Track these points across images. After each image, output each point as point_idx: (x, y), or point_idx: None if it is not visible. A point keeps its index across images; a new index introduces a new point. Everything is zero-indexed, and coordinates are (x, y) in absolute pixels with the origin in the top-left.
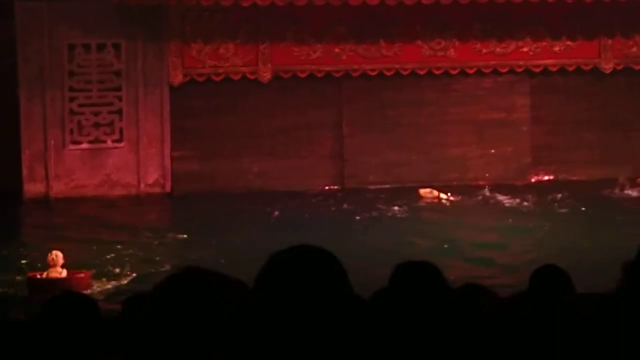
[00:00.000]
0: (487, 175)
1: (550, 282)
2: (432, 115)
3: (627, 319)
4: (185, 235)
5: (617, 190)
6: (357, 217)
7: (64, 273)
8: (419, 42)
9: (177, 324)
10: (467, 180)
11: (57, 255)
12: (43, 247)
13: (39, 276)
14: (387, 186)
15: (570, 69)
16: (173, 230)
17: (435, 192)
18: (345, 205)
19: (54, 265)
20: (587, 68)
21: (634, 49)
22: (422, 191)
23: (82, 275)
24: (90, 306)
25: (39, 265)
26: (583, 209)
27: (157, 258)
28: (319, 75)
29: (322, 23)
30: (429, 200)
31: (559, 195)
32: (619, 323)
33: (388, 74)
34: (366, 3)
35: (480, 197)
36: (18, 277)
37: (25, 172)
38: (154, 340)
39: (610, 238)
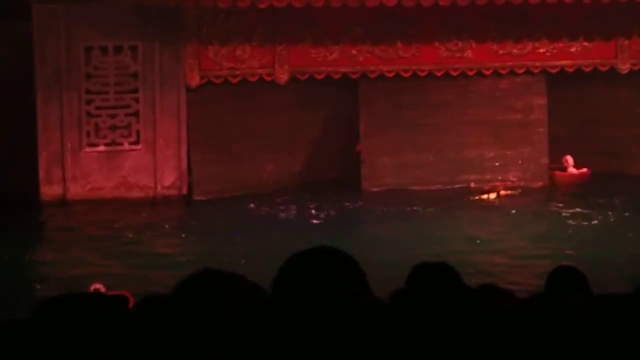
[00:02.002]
0: (503, 177)
1: (566, 283)
2: (449, 116)
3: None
4: (202, 237)
5: None
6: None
7: None
8: (436, 44)
9: (192, 325)
10: (484, 181)
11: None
12: (61, 251)
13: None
14: (404, 187)
15: (587, 69)
16: (190, 232)
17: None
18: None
19: None
20: (604, 69)
21: None
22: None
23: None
24: (90, 305)
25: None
26: None
27: (174, 259)
28: (336, 76)
29: (339, 24)
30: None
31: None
32: (631, 325)
33: (405, 75)
34: (383, 4)
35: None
36: (38, 286)
37: (42, 174)
38: (168, 340)
39: None
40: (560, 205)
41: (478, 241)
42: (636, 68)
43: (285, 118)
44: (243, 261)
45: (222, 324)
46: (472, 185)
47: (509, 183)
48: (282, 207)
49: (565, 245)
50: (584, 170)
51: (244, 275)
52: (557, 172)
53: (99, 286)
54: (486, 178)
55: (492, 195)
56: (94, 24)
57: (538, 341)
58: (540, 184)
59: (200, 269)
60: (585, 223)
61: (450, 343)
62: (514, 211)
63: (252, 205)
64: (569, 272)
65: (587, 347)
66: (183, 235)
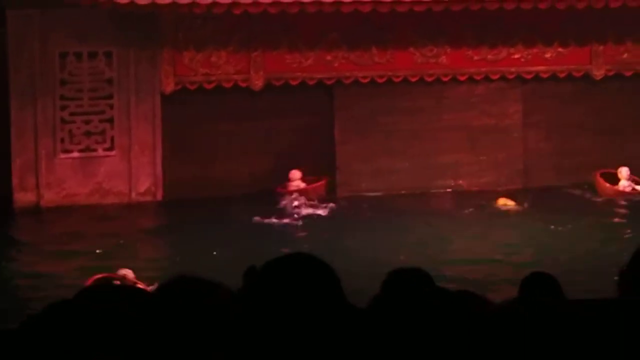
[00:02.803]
0: (478, 182)
1: (540, 289)
2: (424, 122)
3: (621, 326)
4: (175, 243)
5: None
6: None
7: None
8: (411, 49)
9: (169, 332)
10: (459, 187)
11: (127, 273)
12: (36, 257)
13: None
14: (380, 194)
15: (562, 75)
16: (163, 238)
17: (510, 202)
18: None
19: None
20: (579, 74)
21: (625, 55)
22: (501, 202)
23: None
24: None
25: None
26: None
27: (148, 266)
28: (311, 82)
29: (314, 30)
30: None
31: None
32: (607, 330)
33: (380, 81)
34: (358, 10)
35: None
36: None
37: (15, 181)
38: (145, 346)
39: None
40: (534, 211)
41: (453, 248)
42: (611, 74)
43: (261, 124)
44: (218, 266)
45: (198, 329)
46: (448, 190)
47: (483, 188)
48: (256, 212)
49: (536, 251)
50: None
51: (220, 282)
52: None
53: (125, 272)
54: (460, 183)
55: (504, 202)
56: (69, 30)
57: (518, 345)
58: (514, 188)
59: (175, 275)
60: (560, 229)
61: (428, 348)
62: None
63: (227, 210)
64: (542, 278)
65: (565, 350)
66: (156, 240)
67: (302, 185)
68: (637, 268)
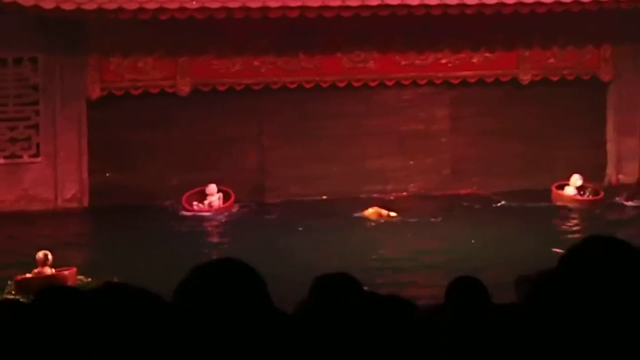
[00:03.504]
0: (408, 186)
1: (466, 293)
2: (352, 127)
3: (531, 330)
4: (101, 249)
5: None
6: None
7: (50, 271)
8: (339, 54)
9: (96, 339)
10: (388, 192)
11: (47, 255)
12: None
13: (28, 276)
14: (309, 199)
15: (489, 80)
16: (89, 244)
17: (384, 212)
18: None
19: (43, 265)
20: (506, 79)
21: (552, 60)
22: (367, 212)
23: (66, 272)
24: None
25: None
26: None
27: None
28: (239, 88)
29: (241, 36)
30: (377, 220)
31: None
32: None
33: (308, 86)
34: (286, 16)
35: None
36: None
37: None
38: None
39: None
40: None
41: (378, 254)
42: (537, 79)
43: (189, 130)
44: (144, 273)
45: (125, 336)
46: (375, 195)
47: (411, 193)
48: (177, 220)
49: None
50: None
51: (146, 288)
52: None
53: (47, 252)
54: (389, 188)
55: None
56: None
57: (443, 348)
58: (441, 193)
59: (102, 283)
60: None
61: (354, 352)
62: (413, 220)
63: (153, 217)
64: (469, 283)
65: (490, 352)
66: (82, 246)
67: (216, 204)
68: (563, 274)
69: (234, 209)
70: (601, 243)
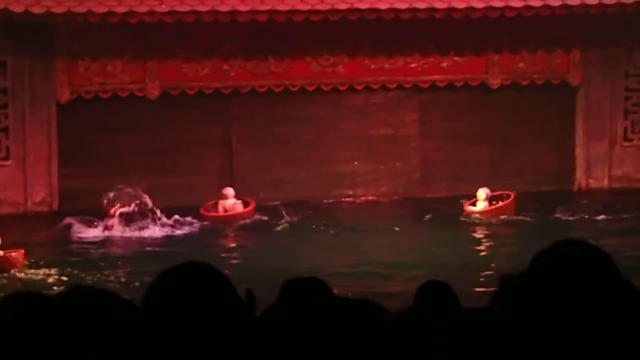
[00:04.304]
0: (375, 191)
1: (435, 297)
2: (321, 131)
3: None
4: (70, 253)
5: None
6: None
7: None
8: (308, 58)
9: (65, 343)
10: (357, 196)
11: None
12: None
13: None
14: (278, 203)
15: (458, 84)
16: (59, 248)
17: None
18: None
19: None
20: (475, 84)
21: (521, 65)
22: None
23: (14, 254)
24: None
25: None
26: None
27: (45, 277)
28: (208, 92)
29: (210, 40)
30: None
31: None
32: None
33: (277, 90)
34: (255, 20)
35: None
36: None
37: None
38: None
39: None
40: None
41: (350, 261)
42: (507, 83)
43: (158, 134)
44: (114, 278)
45: (95, 340)
46: (345, 199)
47: (380, 197)
48: (142, 225)
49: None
50: None
51: (115, 293)
52: None
53: None
54: (359, 192)
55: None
56: None
57: (413, 353)
58: (411, 197)
59: (71, 286)
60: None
61: (322, 356)
62: (381, 225)
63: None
64: (438, 287)
65: (459, 356)
66: (51, 250)
67: (240, 207)
68: (533, 276)
69: (251, 217)
70: (570, 246)
